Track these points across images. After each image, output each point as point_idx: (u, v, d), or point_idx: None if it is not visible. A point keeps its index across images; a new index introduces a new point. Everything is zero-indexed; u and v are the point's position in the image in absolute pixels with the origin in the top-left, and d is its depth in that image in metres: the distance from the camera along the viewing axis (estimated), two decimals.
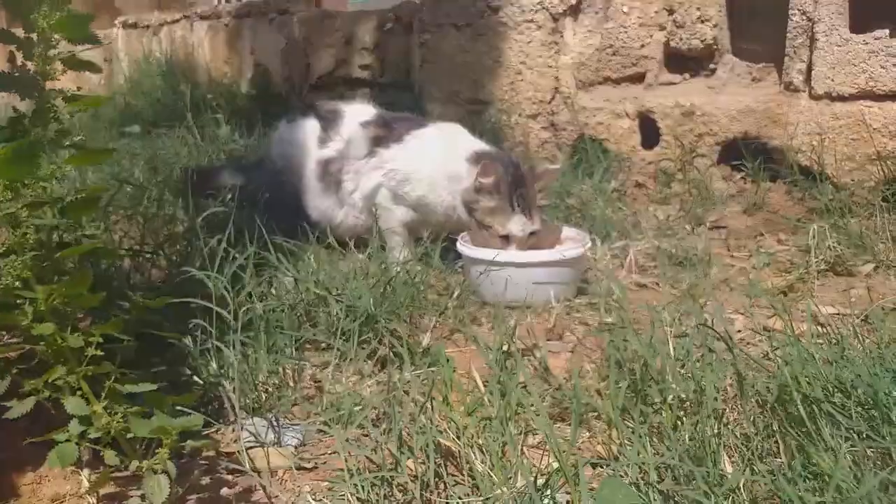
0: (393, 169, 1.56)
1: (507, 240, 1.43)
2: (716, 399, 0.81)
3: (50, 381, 0.73)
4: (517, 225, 1.42)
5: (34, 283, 0.71)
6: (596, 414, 0.92)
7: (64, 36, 0.73)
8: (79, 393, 0.75)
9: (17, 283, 0.71)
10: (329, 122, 1.69)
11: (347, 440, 0.84)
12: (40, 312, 0.72)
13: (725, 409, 0.84)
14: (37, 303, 0.71)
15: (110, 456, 0.73)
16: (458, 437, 0.79)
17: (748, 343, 1.20)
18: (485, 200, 1.43)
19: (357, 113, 1.70)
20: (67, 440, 0.73)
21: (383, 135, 1.60)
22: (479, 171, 1.42)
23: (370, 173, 1.59)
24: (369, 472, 0.79)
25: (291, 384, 1.05)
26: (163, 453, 0.71)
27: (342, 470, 0.84)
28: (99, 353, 0.73)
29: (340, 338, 1.14)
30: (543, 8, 2.36)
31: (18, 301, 0.72)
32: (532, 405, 0.94)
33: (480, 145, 1.57)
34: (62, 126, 0.73)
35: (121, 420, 0.73)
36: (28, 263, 0.71)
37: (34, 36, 0.73)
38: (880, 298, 1.35)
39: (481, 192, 1.43)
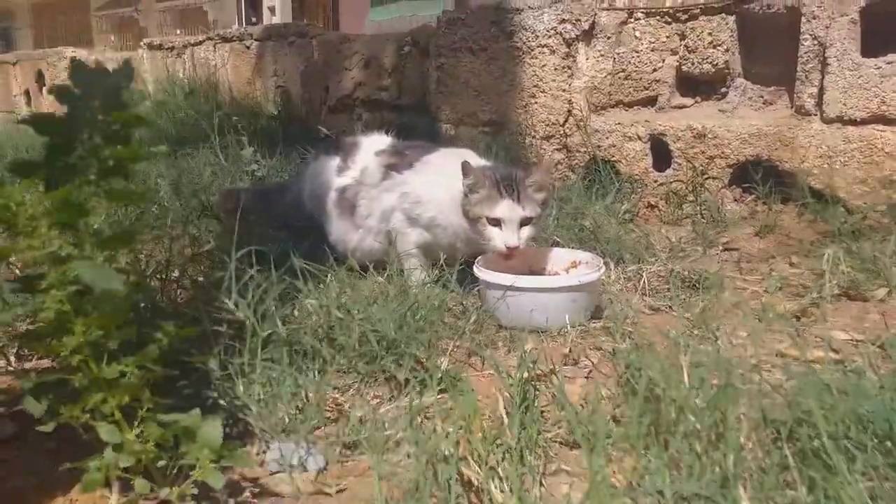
0: (405, 192, 1.61)
1: (497, 225, 1.46)
2: (734, 431, 0.82)
3: (86, 408, 0.75)
4: (505, 208, 1.45)
5: (73, 317, 0.75)
6: (612, 441, 0.94)
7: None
8: (111, 420, 0.77)
9: (56, 317, 0.74)
10: (347, 153, 1.80)
11: (392, 471, 0.85)
12: (78, 344, 0.75)
13: (741, 440, 0.85)
14: (75, 335, 0.75)
15: (142, 485, 0.76)
16: (480, 467, 0.80)
17: (761, 369, 1.20)
18: (474, 196, 1.48)
19: (373, 143, 1.79)
20: (98, 469, 0.75)
21: (396, 162, 1.68)
22: (462, 171, 1.49)
23: (383, 196, 1.65)
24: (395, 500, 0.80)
25: (314, 407, 1.08)
26: (199, 474, 0.73)
27: (361, 497, 0.86)
28: (133, 381, 0.76)
29: (361, 361, 1.17)
30: (557, 33, 2.40)
31: (57, 333, 0.75)
32: (550, 433, 0.95)
33: (480, 162, 1.62)
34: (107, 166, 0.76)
35: (153, 448, 0.75)
36: (67, 298, 0.74)
37: None
38: (895, 324, 1.36)
39: (472, 192, 1.48)
